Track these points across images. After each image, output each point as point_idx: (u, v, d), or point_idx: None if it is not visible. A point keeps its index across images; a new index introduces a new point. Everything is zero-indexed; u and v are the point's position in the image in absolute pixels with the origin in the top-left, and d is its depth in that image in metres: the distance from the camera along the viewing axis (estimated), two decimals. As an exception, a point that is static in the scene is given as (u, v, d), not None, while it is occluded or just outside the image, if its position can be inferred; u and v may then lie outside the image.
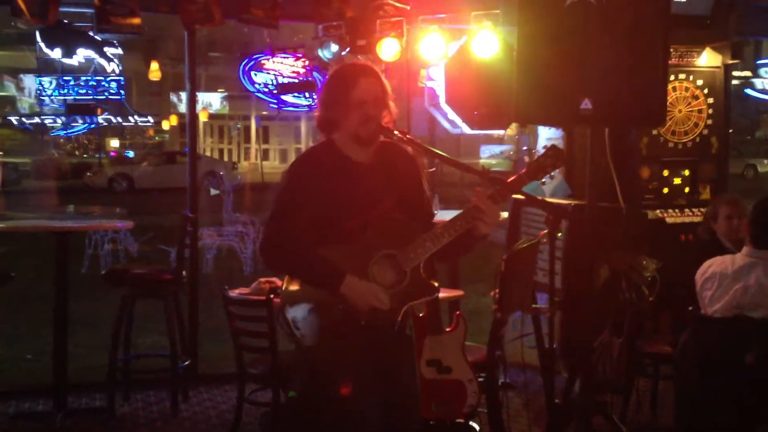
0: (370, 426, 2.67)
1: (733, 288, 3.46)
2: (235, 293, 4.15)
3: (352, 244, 2.65)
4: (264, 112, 32.11)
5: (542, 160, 2.74)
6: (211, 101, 34.40)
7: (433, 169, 5.31)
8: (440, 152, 2.80)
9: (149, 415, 4.76)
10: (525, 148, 6.13)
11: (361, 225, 2.66)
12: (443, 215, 3.31)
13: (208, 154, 34.19)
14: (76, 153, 35.64)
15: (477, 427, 4.03)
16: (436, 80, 5.65)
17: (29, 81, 29.68)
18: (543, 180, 2.84)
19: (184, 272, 4.97)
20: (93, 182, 25.21)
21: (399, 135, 2.69)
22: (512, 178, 2.72)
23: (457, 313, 3.99)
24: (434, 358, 3.76)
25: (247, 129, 37.12)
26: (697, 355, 3.56)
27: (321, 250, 2.64)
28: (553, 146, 2.79)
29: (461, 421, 3.95)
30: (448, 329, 3.84)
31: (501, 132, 6.58)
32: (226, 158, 35.65)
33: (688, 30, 4.94)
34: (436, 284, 2.74)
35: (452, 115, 5.64)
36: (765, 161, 28.93)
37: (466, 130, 5.73)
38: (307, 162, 2.79)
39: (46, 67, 25.15)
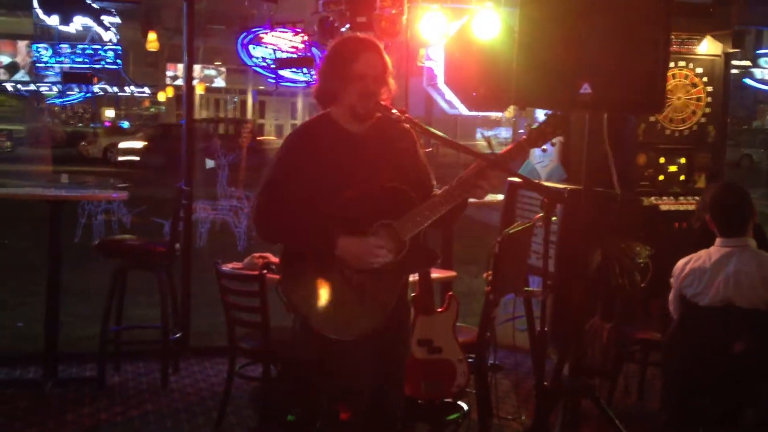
0: (362, 393, 2.70)
1: (715, 282, 3.45)
2: (228, 267, 4.14)
3: (349, 214, 2.62)
4: (261, 87, 31.91)
5: (543, 127, 2.77)
6: (210, 75, 34.15)
7: (430, 149, 5.29)
8: (438, 132, 2.79)
9: (139, 386, 4.78)
10: (522, 131, 6.11)
11: (359, 195, 2.64)
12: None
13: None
14: (71, 122, 35.41)
15: (465, 407, 4.06)
16: (435, 60, 5.62)
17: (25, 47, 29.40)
18: (544, 147, 2.87)
19: (177, 245, 4.96)
20: (87, 151, 25.12)
21: (397, 114, 2.68)
22: (514, 144, 2.75)
23: (449, 294, 4.00)
24: (425, 338, 3.78)
25: (244, 103, 36.91)
26: (686, 343, 3.58)
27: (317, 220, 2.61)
28: (554, 114, 2.81)
29: (450, 400, 3.98)
30: (439, 309, 3.85)
31: (498, 114, 6.56)
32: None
33: (690, 18, 4.92)
34: (437, 252, 2.75)
35: (450, 95, 5.61)
36: (762, 151, 28.94)
37: (464, 111, 5.70)
38: (303, 134, 2.77)
39: (42, 34, 24.92)
